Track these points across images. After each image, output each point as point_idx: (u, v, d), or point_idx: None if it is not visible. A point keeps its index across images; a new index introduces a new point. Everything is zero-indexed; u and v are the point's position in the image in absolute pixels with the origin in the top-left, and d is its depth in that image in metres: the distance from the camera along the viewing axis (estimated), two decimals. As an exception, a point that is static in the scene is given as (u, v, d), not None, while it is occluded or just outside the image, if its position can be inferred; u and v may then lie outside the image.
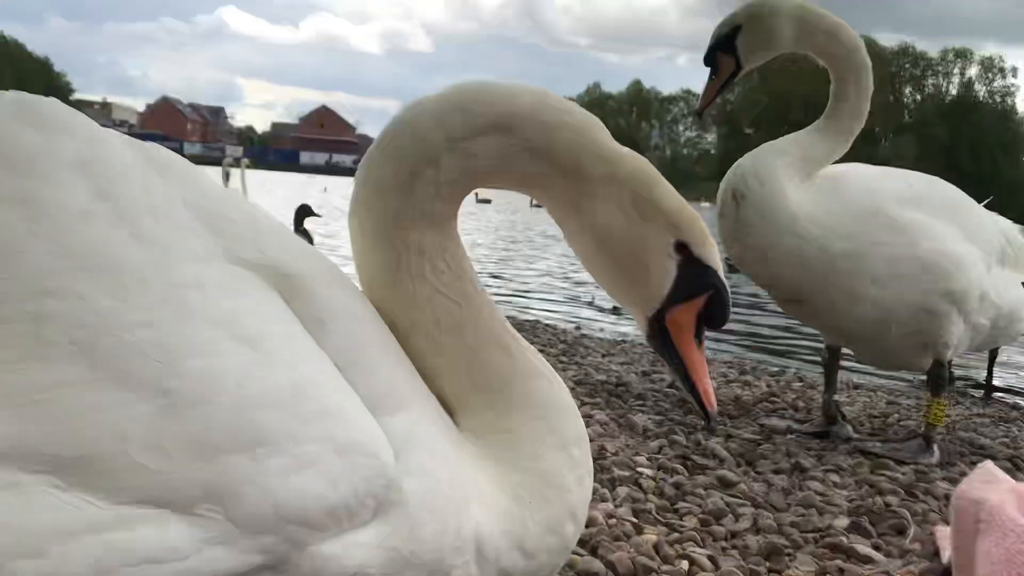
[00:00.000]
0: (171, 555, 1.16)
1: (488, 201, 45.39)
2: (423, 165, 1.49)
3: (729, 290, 1.55)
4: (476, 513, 1.42)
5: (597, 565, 1.90)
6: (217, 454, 1.19)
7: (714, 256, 1.56)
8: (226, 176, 15.69)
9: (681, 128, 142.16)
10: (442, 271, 1.53)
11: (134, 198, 1.31)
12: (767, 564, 2.06)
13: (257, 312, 1.31)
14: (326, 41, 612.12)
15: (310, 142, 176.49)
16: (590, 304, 9.28)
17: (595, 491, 2.44)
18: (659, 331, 1.57)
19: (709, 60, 3.48)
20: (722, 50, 3.40)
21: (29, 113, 1.35)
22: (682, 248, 1.53)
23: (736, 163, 3.36)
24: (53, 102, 1.43)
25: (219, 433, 1.19)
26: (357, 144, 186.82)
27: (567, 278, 12.05)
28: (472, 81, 1.56)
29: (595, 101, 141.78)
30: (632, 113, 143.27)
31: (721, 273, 1.56)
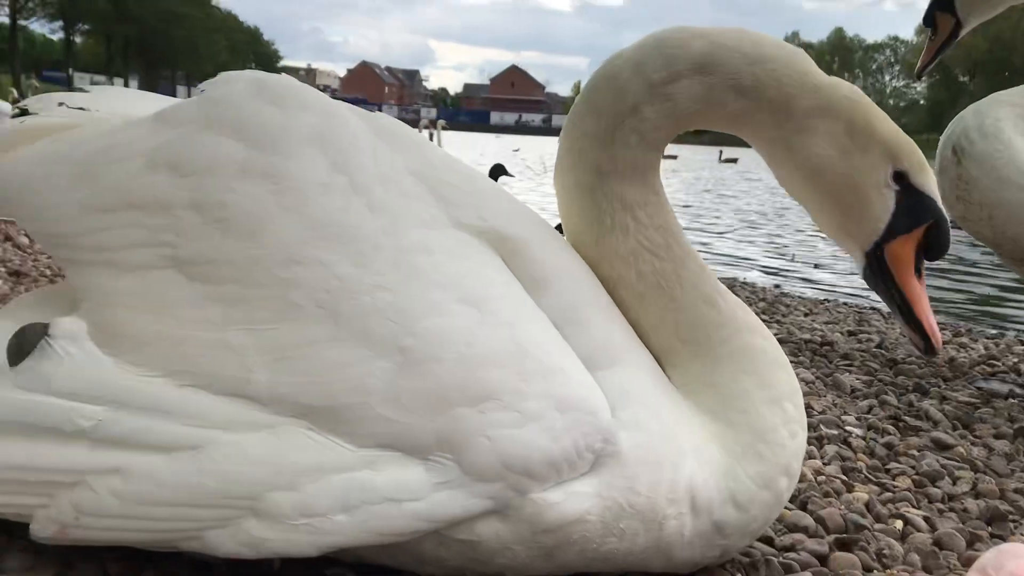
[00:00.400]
0: (408, 495, 1.28)
1: (674, 157, 44.01)
2: (624, 115, 1.51)
3: (949, 220, 1.51)
4: (690, 465, 1.46)
5: (807, 520, 1.89)
6: (448, 407, 1.29)
7: (933, 185, 1.52)
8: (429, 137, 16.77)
9: (887, 78, 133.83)
10: (644, 224, 1.55)
11: (366, 168, 1.43)
12: (989, 529, 1.98)
13: (481, 275, 1.40)
14: (517, 0, 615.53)
15: (500, 102, 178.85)
16: (791, 260, 9.00)
17: (802, 448, 2.42)
18: (877, 265, 1.55)
19: (928, 20, 3.29)
20: (941, 9, 3.21)
21: (268, 91, 1.48)
22: (900, 178, 1.50)
23: (957, 116, 3.17)
24: (287, 79, 1.56)
25: (449, 388, 1.30)
26: (546, 103, 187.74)
27: (749, 239, 11.71)
28: (669, 27, 1.56)
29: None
30: (833, 63, 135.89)
31: (940, 202, 1.52)
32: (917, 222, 1.51)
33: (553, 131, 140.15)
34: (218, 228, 1.35)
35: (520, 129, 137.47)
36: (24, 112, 1.59)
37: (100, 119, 1.60)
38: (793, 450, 1.57)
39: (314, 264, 1.33)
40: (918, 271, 1.55)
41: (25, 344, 1.34)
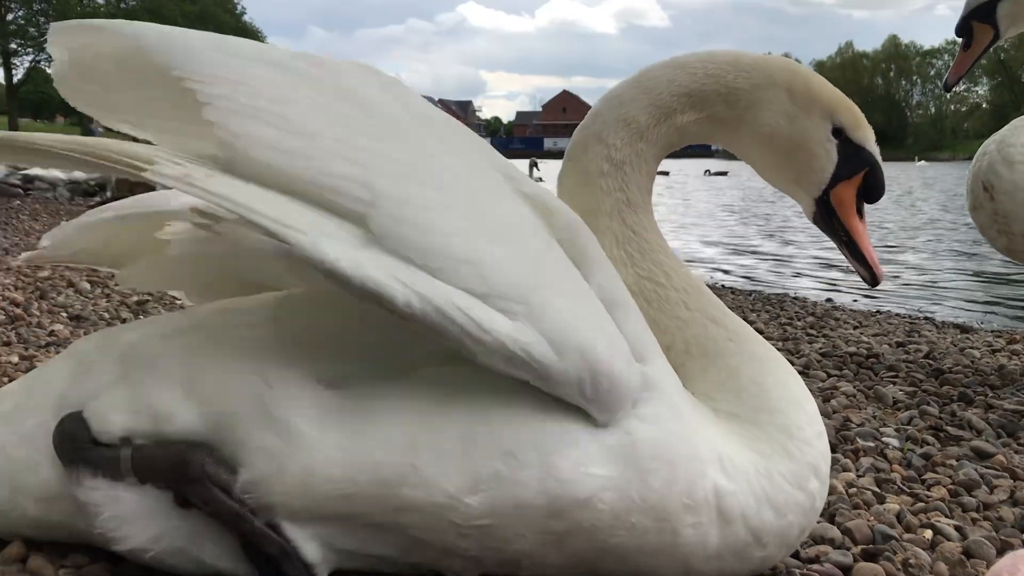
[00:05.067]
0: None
1: (666, 173, 42.92)
2: (599, 148, 1.69)
3: (882, 165, 1.76)
4: (715, 476, 1.49)
5: (834, 532, 1.90)
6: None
7: (869, 137, 1.77)
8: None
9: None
10: (636, 257, 1.68)
11: (463, 143, 1.57)
12: (1023, 536, 1.96)
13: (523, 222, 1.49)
14: (562, 26, 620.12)
15: (553, 127, 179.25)
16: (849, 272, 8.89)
17: (836, 461, 2.41)
18: (824, 210, 1.78)
19: (961, 30, 3.23)
20: (978, 19, 3.15)
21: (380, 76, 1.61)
22: (838, 133, 1.73)
23: (981, 148, 3.12)
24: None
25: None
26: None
27: (814, 255, 11.56)
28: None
29: (848, 61, 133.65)
30: (890, 71, 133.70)
31: (876, 151, 1.75)
32: (855, 170, 1.74)
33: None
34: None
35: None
36: None
37: None
38: (820, 451, 1.62)
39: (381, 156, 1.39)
40: (860, 213, 1.79)
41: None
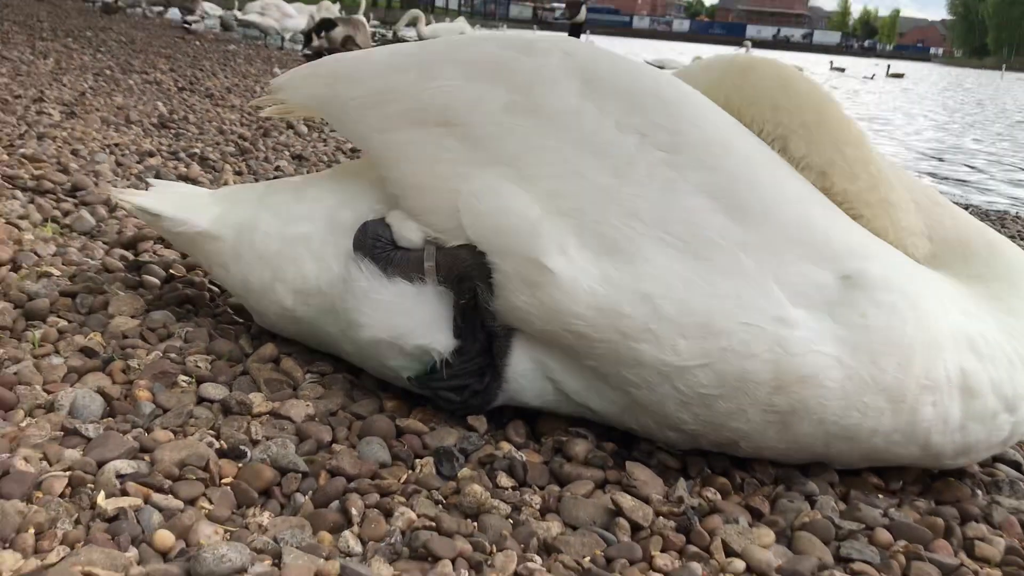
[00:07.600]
0: None
1: (842, 69, 41.13)
2: None
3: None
4: (958, 358, 1.51)
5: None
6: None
7: None
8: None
9: None
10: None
11: (607, 94, 1.57)
12: None
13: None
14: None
15: (758, 15, 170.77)
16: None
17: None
18: None
19: None
20: None
21: (515, 43, 1.67)
22: None
23: None
24: (525, 33, 1.70)
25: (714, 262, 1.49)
26: (808, 17, 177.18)
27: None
28: None
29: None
30: None
31: None
32: None
33: (815, 47, 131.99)
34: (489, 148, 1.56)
35: (778, 44, 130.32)
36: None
37: None
38: None
39: (574, 177, 1.50)
40: None
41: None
